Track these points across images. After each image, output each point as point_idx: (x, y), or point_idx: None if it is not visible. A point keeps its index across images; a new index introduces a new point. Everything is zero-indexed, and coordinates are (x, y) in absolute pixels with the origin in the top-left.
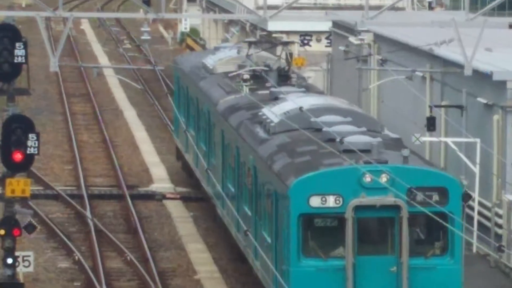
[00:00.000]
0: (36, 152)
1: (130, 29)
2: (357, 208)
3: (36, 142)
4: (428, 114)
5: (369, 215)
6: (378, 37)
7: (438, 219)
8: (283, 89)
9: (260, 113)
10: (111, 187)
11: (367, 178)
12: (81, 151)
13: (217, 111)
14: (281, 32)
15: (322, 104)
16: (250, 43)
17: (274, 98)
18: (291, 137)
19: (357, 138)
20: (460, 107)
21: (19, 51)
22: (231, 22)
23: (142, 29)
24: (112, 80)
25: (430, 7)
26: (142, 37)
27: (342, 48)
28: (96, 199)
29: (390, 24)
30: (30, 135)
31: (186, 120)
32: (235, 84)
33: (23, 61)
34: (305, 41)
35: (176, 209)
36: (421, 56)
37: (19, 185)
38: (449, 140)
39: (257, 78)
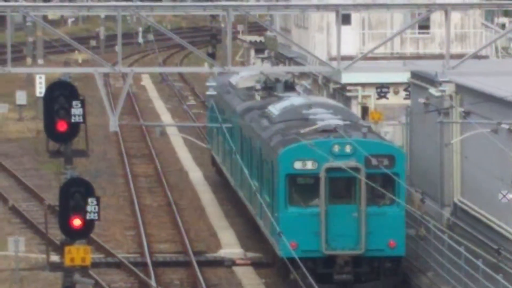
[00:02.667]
0: (96, 217)
1: (195, 84)
2: (328, 170)
3: (96, 207)
4: None
5: (337, 175)
6: (460, 88)
7: (389, 178)
8: (287, 94)
9: (266, 110)
10: (177, 254)
11: (335, 148)
12: (144, 216)
13: (235, 113)
14: (356, 84)
15: (311, 101)
16: (262, 59)
17: (278, 100)
18: (285, 124)
19: (330, 122)
20: None
21: (76, 110)
22: (302, 75)
23: (208, 83)
24: (176, 139)
25: None
26: (208, 93)
27: (421, 100)
28: (161, 266)
29: (473, 74)
30: (90, 200)
31: (216, 128)
32: (250, 93)
33: (81, 120)
34: (382, 94)
35: (246, 276)
36: (507, 108)
37: (78, 253)
38: None
39: (268, 89)
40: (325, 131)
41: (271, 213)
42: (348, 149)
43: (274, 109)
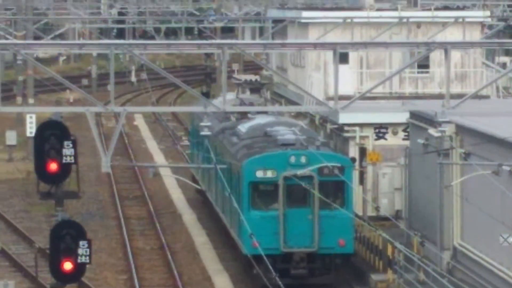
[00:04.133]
0: (88, 260)
1: (188, 124)
2: (286, 178)
3: (88, 250)
4: None
5: (293, 182)
6: (460, 129)
7: (338, 184)
8: (258, 116)
9: (236, 129)
10: None
11: (292, 159)
12: (137, 259)
13: (212, 132)
14: (354, 124)
15: (275, 121)
16: (238, 85)
17: (248, 120)
18: (251, 140)
19: (288, 137)
20: None
21: (67, 150)
22: (299, 115)
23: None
24: (169, 181)
25: None
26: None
27: (421, 141)
28: None
29: (473, 114)
30: (81, 243)
31: (195, 147)
32: (227, 116)
33: (72, 161)
34: (380, 134)
35: None
36: (509, 149)
37: None
38: None
39: (243, 113)
40: (284, 144)
41: (237, 216)
42: (303, 159)
43: (243, 127)
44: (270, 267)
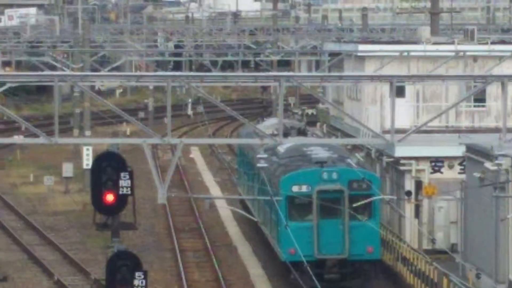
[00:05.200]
0: None
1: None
2: (319, 192)
3: (144, 281)
4: None
5: (326, 196)
6: None
7: (365, 198)
8: (298, 137)
9: (275, 150)
10: None
11: (324, 175)
12: None
13: (255, 153)
14: (410, 158)
15: (311, 142)
16: (267, 105)
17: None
18: (289, 159)
19: (321, 155)
20: None
21: (124, 182)
22: (354, 148)
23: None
24: (225, 213)
25: None
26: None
27: (477, 174)
28: None
29: None
30: (137, 274)
31: (241, 165)
32: (265, 135)
33: (129, 192)
34: (436, 168)
35: None
36: None
37: None
38: None
39: (285, 134)
40: (318, 162)
41: (276, 228)
42: (334, 175)
43: (281, 148)
44: (309, 270)
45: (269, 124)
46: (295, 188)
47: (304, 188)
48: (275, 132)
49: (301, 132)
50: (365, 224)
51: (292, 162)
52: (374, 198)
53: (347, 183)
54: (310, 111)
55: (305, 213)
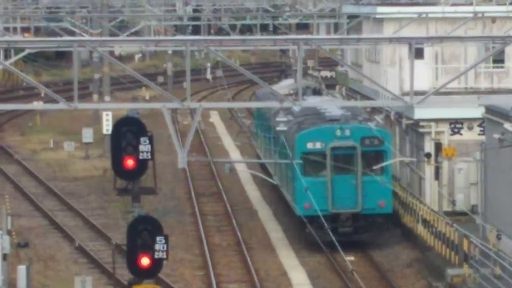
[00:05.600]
0: (165, 256)
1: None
2: (332, 149)
3: (165, 245)
4: None
5: (339, 152)
6: None
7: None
8: (310, 97)
9: (291, 109)
10: None
11: (338, 132)
12: (213, 255)
13: (269, 112)
14: (429, 120)
15: (327, 100)
16: (286, 68)
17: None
18: (303, 117)
19: (334, 113)
20: None
21: (144, 147)
22: (374, 110)
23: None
24: (245, 176)
25: None
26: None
27: (496, 135)
28: None
29: None
30: (158, 238)
31: (258, 125)
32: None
33: (149, 157)
34: (456, 130)
35: None
36: None
37: None
38: None
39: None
40: (332, 120)
41: (292, 183)
42: (347, 132)
43: (297, 107)
44: (324, 222)
45: (284, 85)
46: (309, 145)
47: (318, 145)
48: (291, 92)
49: (317, 92)
50: (377, 179)
51: (307, 120)
52: (390, 161)
53: (359, 139)
54: (328, 74)
55: (320, 169)
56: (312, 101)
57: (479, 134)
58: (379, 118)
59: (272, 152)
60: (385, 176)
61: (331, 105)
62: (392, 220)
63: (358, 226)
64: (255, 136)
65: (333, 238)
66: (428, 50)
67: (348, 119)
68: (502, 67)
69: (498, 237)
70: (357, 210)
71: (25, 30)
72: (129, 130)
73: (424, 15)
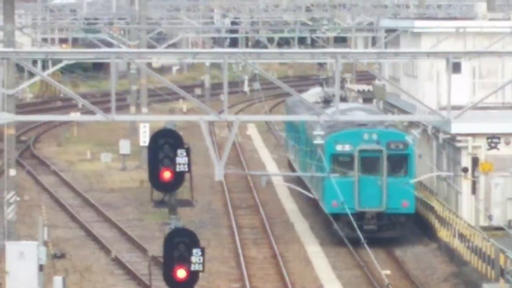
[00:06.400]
0: (201, 268)
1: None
2: (360, 151)
3: (201, 257)
4: None
5: (366, 155)
6: None
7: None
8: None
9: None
10: None
11: (365, 136)
12: (249, 268)
13: (302, 124)
14: (466, 134)
15: (353, 107)
16: (323, 80)
17: (330, 107)
18: (333, 122)
19: (362, 119)
20: None
21: (181, 159)
22: (411, 124)
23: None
24: (282, 190)
25: None
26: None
27: None
28: None
29: None
30: (195, 250)
31: (289, 133)
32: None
33: (186, 169)
34: (493, 144)
35: None
36: None
37: None
38: None
39: (326, 101)
40: (360, 125)
41: (321, 183)
42: (374, 136)
43: (327, 111)
44: (352, 220)
45: (312, 93)
46: (338, 147)
47: (347, 147)
48: (318, 100)
49: (343, 99)
50: (401, 180)
51: (336, 124)
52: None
53: (385, 143)
54: (366, 88)
55: (348, 169)
56: (341, 107)
57: None
58: (416, 132)
59: (308, 165)
60: (409, 178)
61: (359, 111)
62: (428, 234)
63: (382, 224)
64: (287, 147)
65: (360, 235)
66: (465, 65)
67: (375, 124)
68: None
69: None
70: (382, 209)
71: (62, 41)
72: (166, 142)
73: (461, 30)
